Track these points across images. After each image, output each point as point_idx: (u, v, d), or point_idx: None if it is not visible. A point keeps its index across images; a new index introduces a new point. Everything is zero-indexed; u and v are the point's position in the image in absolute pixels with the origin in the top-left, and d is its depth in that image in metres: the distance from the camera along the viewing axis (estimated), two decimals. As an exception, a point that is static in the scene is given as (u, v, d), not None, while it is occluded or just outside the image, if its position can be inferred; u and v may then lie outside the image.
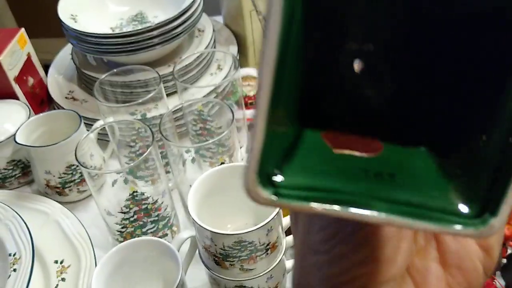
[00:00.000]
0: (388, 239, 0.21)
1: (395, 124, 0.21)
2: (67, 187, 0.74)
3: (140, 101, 0.67)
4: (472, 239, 0.23)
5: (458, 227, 0.17)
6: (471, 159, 0.19)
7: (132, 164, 0.58)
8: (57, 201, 0.73)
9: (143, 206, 0.60)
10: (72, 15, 0.82)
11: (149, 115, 0.72)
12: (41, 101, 0.89)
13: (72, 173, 0.73)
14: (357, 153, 0.20)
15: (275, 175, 0.18)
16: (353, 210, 0.17)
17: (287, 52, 0.16)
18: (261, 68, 0.16)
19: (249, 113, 0.82)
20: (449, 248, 0.23)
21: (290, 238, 0.58)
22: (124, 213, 0.60)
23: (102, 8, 0.87)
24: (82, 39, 0.79)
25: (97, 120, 0.76)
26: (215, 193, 0.58)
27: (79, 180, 0.74)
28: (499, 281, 0.57)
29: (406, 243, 0.22)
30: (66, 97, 0.87)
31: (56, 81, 0.91)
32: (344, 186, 0.18)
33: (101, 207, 0.61)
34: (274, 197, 0.18)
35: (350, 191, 0.18)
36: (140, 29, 0.77)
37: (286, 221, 0.58)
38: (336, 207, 0.17)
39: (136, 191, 0.59)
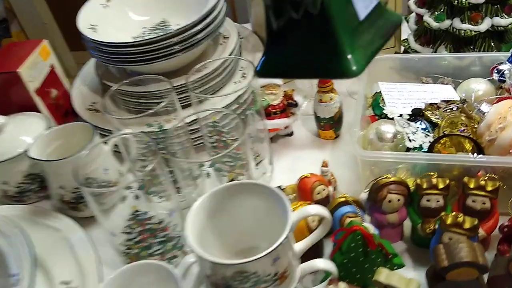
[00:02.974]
0: None
1: None
2: (81, 202, 0.71)
3: (151, 111, 0.63)
4: None
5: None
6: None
7: (133, 180, 0.54)
8: (71, 217, 0.70)
9: (147, 226, 0.56)
10: (92, 25, 0.79)
11: (167, 127, 0.68)
12: (65, 112, 0.87)
13: (85, 188, 0.70)
14: None
15: None
16: None
17: None
18: None
19: (272, 123, 0.76)
20: None
21: (305, 265, 0.52)
22: (127, 233, 0.56)
23: (123, 18, 0.85)
24: (101, 50, 0.76)
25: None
26: (220, 213, 0.52)
27: (93, 196, 0.71)
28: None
29: None
30: (88, 108, 0.85)
31: (81, 92, 0.89)
32: None
33: (105, 227, 0.58)
34: None
35: None
36: (160, 36, 0.73)
37: (299, 246, 0.52)
38: None
39: (138, 211, 0.55)
